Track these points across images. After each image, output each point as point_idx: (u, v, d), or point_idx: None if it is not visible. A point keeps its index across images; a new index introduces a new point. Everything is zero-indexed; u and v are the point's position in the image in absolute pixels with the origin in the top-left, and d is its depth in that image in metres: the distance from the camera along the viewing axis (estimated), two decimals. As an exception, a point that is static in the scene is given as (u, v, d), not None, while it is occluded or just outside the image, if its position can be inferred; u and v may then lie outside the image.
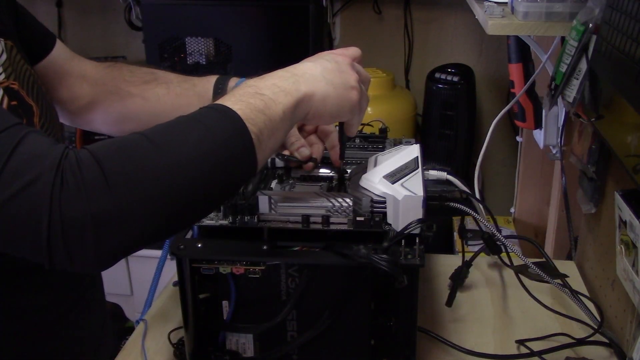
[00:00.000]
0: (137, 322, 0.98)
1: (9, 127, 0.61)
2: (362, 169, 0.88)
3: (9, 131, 0.61)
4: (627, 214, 0.83)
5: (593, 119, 0.91)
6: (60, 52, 1.00)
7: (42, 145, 0.61)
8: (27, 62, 0.90)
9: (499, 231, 0.91)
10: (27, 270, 0.86)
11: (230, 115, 0.66)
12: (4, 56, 0.86)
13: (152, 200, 0.60)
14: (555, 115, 1.41)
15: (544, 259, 1.01)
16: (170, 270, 0.88)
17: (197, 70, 2.11)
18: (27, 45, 0.92)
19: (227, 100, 0.68)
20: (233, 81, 0.98)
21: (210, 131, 0.64)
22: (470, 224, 1.28)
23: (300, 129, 0.95)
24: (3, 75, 0.83)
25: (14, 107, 0.83)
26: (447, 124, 2.12)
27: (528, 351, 0.92)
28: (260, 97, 0.69)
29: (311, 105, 0.72)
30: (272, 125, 0.68)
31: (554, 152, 1.46)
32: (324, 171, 0.97)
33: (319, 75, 0.74)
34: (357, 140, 1.04)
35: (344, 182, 0.92)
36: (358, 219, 0.77)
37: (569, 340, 0.93)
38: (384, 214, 0.78)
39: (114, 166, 0.60)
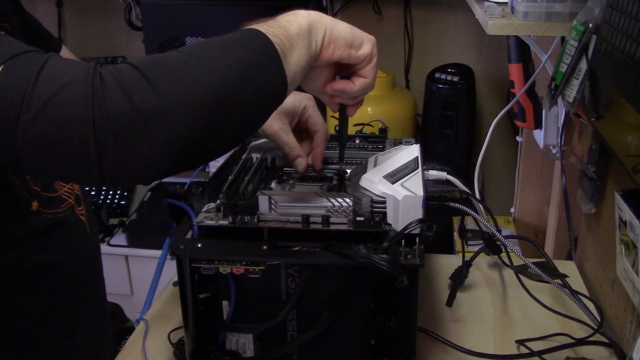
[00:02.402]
0: (137, 321, 0.98)
1: (37, 51, 0.60)
2: (362, 169, 0.88)
3: (37, 53, 0.60)
4: (627, 214, 0.83)
5: (593, 119, 0.91)
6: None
7: (71, 60, 0.60)
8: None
9: (499, 231, 0.91)
10: (31, 271, 0.86)
11: (251, 30, 0.68)
12: None
13: (194, 98, 0.60)
14: (555, 115, 1.41)
15: (544, 259, 1.01)
16: (170, 270, 0.88)
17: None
18: None
19: (243, 27, 0.70)
20: None
21: (237, 42, 0.66)
22: (470, 224, 1.28)
23: (294, 131, 0.95)
24: None
25: None
26: (447, 124, 2.12)
27: (528, 351, 0.92)
28: (273, 21, 0.71)
29: (324, 27, 0.74)
30: (291, 39, 0.69)
31: (554, 152, 1.46)
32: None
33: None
34: (357, 140, 1.04)
35: (344, 182, 0.92)
36: (358, 219, 0.77)
37: (569, 340, 0.93)
38: (384, 214, 0.78)
39: (152, 69, 0.60)
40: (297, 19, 0.72)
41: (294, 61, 0.69)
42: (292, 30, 0.70)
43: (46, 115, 0.56)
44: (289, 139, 0.92)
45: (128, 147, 0.57)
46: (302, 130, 0.97)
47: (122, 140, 0.57)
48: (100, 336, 1.02)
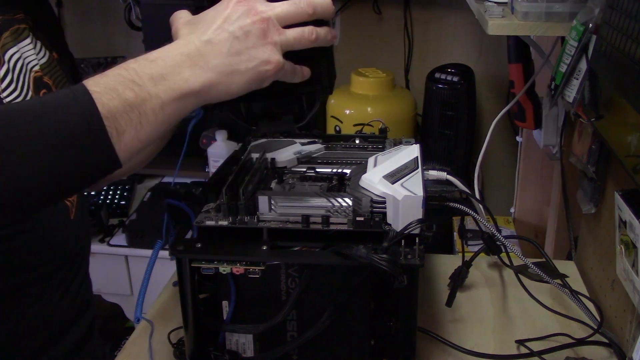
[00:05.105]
0: (137, 320, 0.97)
1: None
2: (362, 169, 0.88)
3: None
4: (627, 214, 0.83)
5: (593, 119, 0.91)
6: None
7: None
8: (67, 78, 0.93)
9: (499, 231, 0.91)
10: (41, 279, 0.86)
11: (86, 110, 0.58)
12: (45, 59, 0.89)
13: None
14: (555, 115, 1.41)
15: (544, 259, 1.01)
16: (170, 270, 0.88)
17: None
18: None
19: (94, 85, 0.60)
20: None
21: (57, 127, 0.58)
22: (470, 224, 1.28)
23: None
24: (38, 68, 0.86)
25: (44, 95, 0.85)
26: (447, 124, 2.12)
27: (528, 351, 0.92)
28: (134, 86, 0.61)
29: (210, 95, 0.65)
30: (142, 120, 0.61)
31: (554, 152, 1.46)
32: (324, 171, 0.97)
33: (224, 59, 0.65)
34: (357, 140, 1.04)
35: (344, 182, 0.92)
36: (358, 219, 0.77)
37: (569, 340, 0.93)
38: (384, 214, 0.78)
39: None
40: (167, 96, 0.62)
41: (140, 139, 0.61)
42: (150, 110, 0.61)
43: None
44: None
45: None
46: None
47: None
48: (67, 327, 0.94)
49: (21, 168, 0.57)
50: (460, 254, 1.06)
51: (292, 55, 0.69)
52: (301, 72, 0.72)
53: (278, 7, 0.68)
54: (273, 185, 0.93)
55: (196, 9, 0.71)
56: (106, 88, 0.60)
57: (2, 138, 0.56)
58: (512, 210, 2.07)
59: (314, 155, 1.00)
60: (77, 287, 0.94)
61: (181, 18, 0.70)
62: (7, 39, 0.82)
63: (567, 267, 1.13)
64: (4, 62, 0.81)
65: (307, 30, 0.69)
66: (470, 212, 0.88)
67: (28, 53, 0.86)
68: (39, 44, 0.90)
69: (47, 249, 0.88)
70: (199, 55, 0.64)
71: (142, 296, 0.90)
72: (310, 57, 0.72)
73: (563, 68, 0.95)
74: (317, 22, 0.70)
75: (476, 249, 1.09)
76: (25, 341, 0.87)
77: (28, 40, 0.87)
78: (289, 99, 0.78)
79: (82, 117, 0.58)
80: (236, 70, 0.65)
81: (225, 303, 0.82)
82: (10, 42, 0.83)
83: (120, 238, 2.19)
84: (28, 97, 0.83)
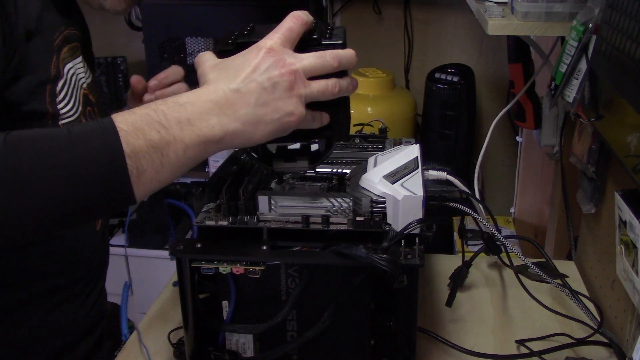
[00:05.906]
0: (126, 334, 0.98)
1: None
2: (362, 169, 0.88)
3: None
4: (627, 214, 0.83)
5: (593, 119, 0.91)
6: None
7: None
8: (105, 101, 0.96)
9: (499, 231, 0.91)
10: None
11: (111, 146, 0.59)
12: (90, 79, 0.93)
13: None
14: (555, 115, 1.41)
15: (544, 259, 1.01)
16: (171, 270, 0.88)
17: (197, 70, 2.11)
18: None
19: (122, 122, 0.61)
20: None
21: (81, 160, 0.59)
22: (470, 224, 1.28)
23: None
24: (85, 86, 0.90)
25: (89, 112, 0.89)
26: (447, 124, 2.12)
27: (528, 351, 0.92)
28: (160, 128, 0.61)
29: (233, 143, 0.66)
30: (164, 162, 0.62)
31: (554, 152, 1.46)
32: (324, 171, 0.97)
33: (251, 109, 0.65)
34: (357, 140, 1.04)
35: (344, 182, 0.92)
36: (358, 219, 0.77)
37: (569, 340, 0.93)
38: (384, 214, 0.78)
39: None
40: (191, 141, 0.62)
41: (160, 180, 0.62)
42: (173, 153, 0.61)
43: None
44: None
45: None
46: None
47: None
48: (84, 330, 0.96)
49: (42, 193, 0.58)
50: (460, 254, 1.06)
51: (312, 102, 0.70)
52: (320, 118, 0.73)
53: (305, 60, 0.68)
54: (273, 185, 0.93)
55: (220, 52, 0.71)
56: (133, 127, 0.61)
57: (28, 164, 0.58)
58: (512, 210, 2.07)
59: (314, 155, 1.00)
60: (95, 297, 0.97)
61: (207, 61, 0.70)
62: (65, 54, 0.85)
63: (567, 267, 1.13)
64: (63, 75, 0.83)
65: (331, 83, 0.69)
66: (470, 212, 0.88)
67: (80, 70, 0.89)
68: (85, 64, 0.93)
69: (72, 258, 0.91)
70: (227, 104, 0.64)
71: (124, 314, 0.90)
72: (329, 104, 0.72)
73: (563, 68, 0.95)
74: (339, 72, 0.71)
75: (476, 249, 1.09)
76: (43, 346, 0.89)
77: (80, 59, 0.90)
78: (305, 142, 0.78)
79: (106, 153, 0.59)
80: (261, 121, 0.66)
81: (225, 303, 0.82)
82: (68, 57, 0.85)
83: (120, 238, 2.19)
84: (79, 112, 0.86)
